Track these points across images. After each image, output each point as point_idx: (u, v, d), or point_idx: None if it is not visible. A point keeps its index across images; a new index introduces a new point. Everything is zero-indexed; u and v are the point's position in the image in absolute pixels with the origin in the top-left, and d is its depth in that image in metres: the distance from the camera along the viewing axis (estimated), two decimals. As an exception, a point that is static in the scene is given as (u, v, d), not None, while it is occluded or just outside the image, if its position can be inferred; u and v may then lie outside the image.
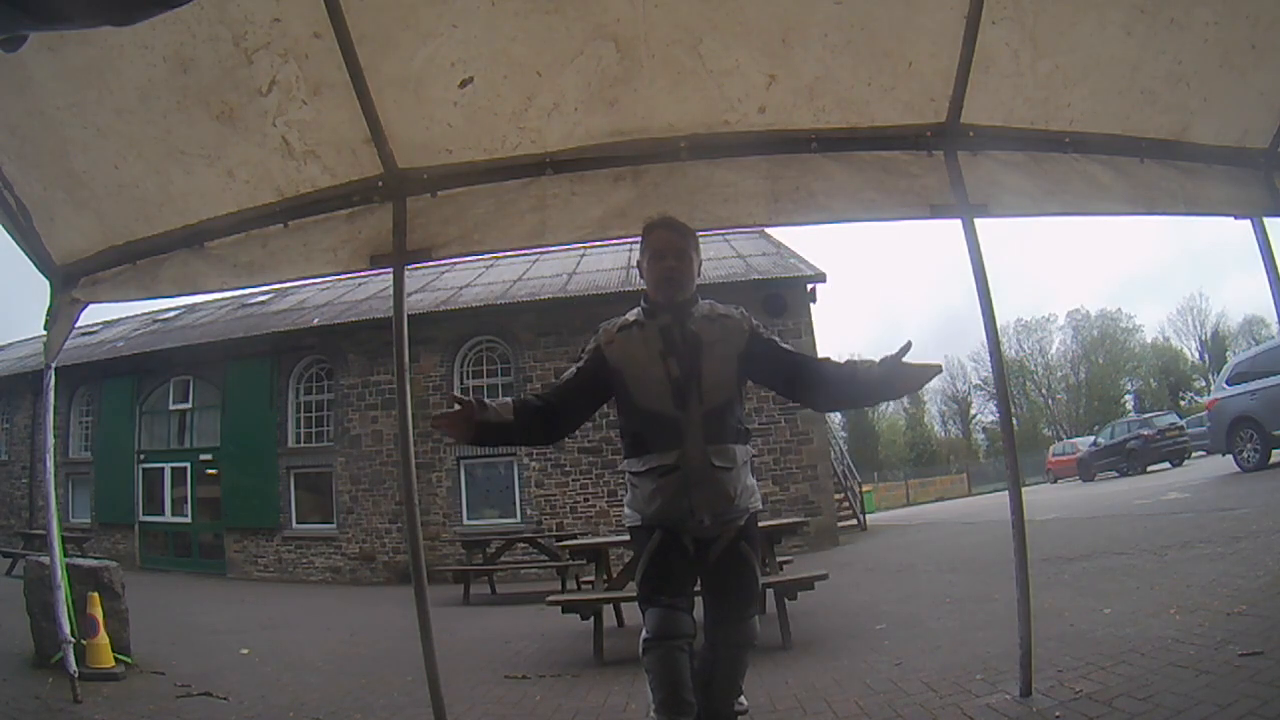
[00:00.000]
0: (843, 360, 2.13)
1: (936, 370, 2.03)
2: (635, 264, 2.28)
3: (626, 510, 2.20)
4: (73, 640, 3.47)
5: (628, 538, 2.29)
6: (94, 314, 21.32)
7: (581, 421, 2.23)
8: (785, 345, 2.17)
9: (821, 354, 2.26)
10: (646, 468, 2.06)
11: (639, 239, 2.26)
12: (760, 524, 2.39)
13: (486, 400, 2.03)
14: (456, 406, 1.97)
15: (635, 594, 2.15)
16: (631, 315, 2.18)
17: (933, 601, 4.96)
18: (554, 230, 2.84)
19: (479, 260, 14.82)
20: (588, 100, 2.65)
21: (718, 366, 2.08)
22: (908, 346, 1.94)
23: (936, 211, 2.80)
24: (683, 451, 2.01)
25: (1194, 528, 5.79)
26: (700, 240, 2.24)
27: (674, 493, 2.02)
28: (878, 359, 2.00)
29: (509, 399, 2.12)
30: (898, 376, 1.97)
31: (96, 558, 7.08)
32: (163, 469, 14.11)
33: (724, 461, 2.04)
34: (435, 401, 12.37)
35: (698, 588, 2.16)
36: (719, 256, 13.63)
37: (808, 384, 2.14)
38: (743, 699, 2.25)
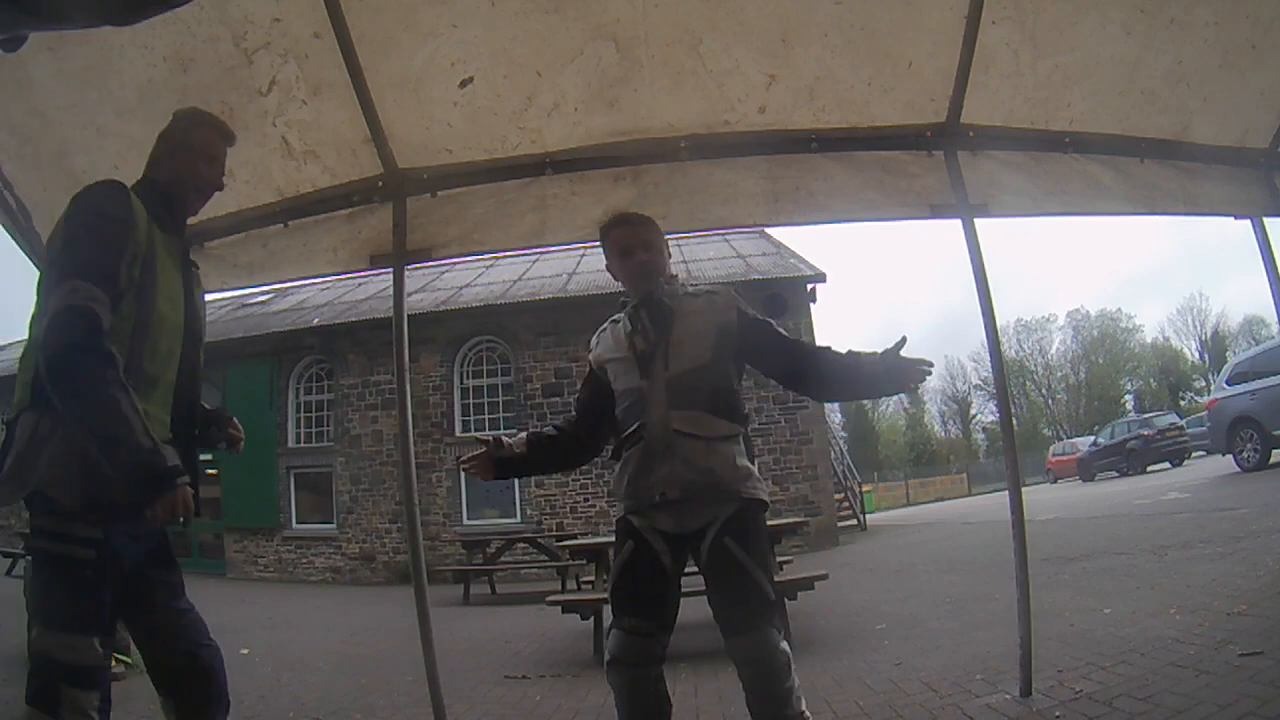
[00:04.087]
0: (843, 350, 2.00)
1: (930, 368, 1.95)
2: (605, 269, 2.18)
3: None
4: (73, 640, 3.47)
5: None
6: (94, 314, 21.23)
7: (606, 434, 2.12)
8: (782, 332, 2.06)
9: (820, 344, 2.17)
10: (616, 445, 2.01)
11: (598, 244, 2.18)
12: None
13: (504, 438, 2.08)
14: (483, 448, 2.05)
15: None
16: (615, 316, 2.17)
17: (933, 601, 4.96)
18: (554, 230, 2.85)
19: (479, 260, 14.81)
20: (588, 100, 2.65)
21: (691, 333, 1.97)
22: (903, 342, 1.88)
23: (936, 211, 2.80)
24: (645, 420, 1.90)
25: (1194, 528, 5.79)
26: (659, 225, 2.16)
27: (636, 466, 1.91)
28: (879, 351, 1.90)
29: (524, 434, 2.15)
30: (898, 371, 1.87)
31: (96, 558, 7.07)
32: (163, 469, 14.10)
33: (693, 429, 1.87)
34: (435, 401, 12.39)
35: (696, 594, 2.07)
36: (719, 256, 13.64)
37: (809, 376, 2.04)
38: (803, 709, 1.87)
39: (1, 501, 1.56)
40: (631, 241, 2.05)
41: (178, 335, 1.64)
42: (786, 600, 4.26)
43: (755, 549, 1.85)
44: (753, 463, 2.01)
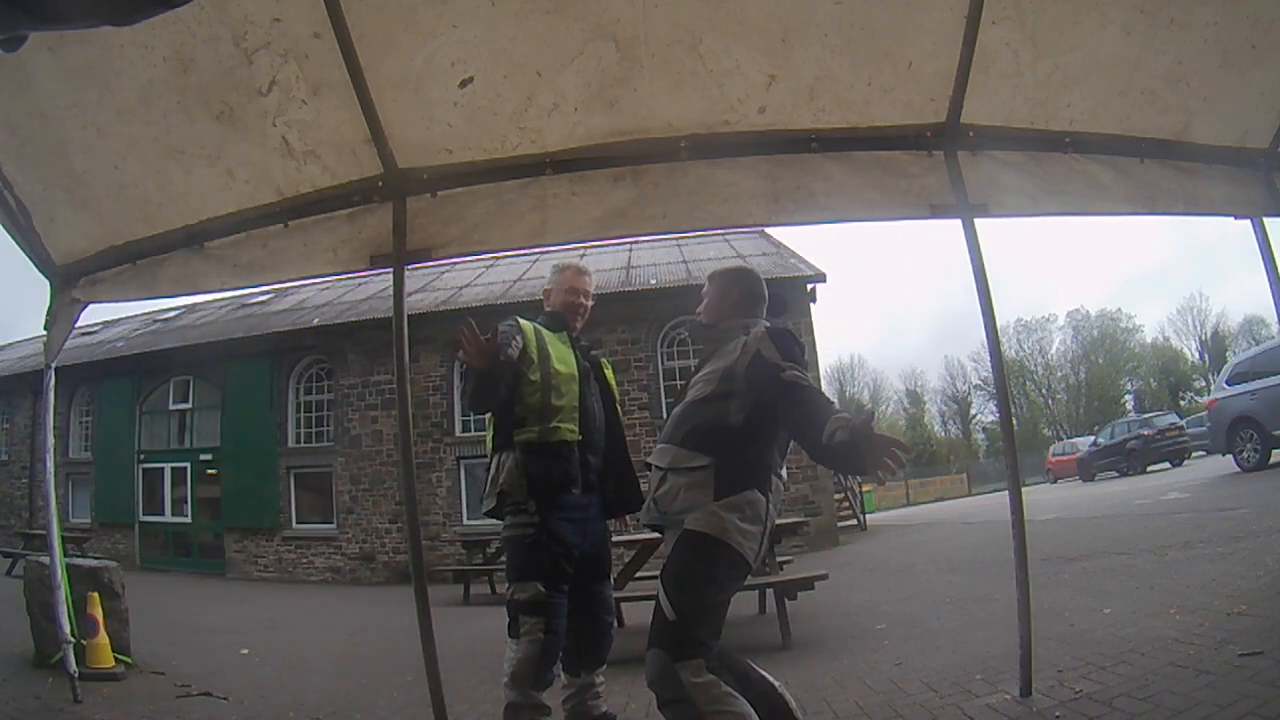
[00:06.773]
0: (832, 404, 1.89)
1: (904, 454, 1.62)
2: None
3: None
4: (73, 640, 3.47)
5: (631, 537, 2.32)
6: (94, 314, 21.30)
7: None
8: (785, 378, 1.93)
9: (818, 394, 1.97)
10: None
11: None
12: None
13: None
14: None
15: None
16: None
17: (933, 601, 4.96)
18: (554, 230, 2.85)
19: (479, 260, 14.81)
20: (588, 100, 2.65)
21: (708, 371, 2.19)
22: (870, 415, 1.68)
23: (936, 211, 2.80)
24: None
25: (1194, 528, 5.79)
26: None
27: None
28: (849, 418, 1.72)
29: None
30: (857, 455, 1.65)
31: (96, 558, 7.08)
32: (163, 469, 14.11)
33: (657, 460, 2.07)
34: (435, 401, 12.38)
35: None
36: (719, 256, 13.63)
37: (789, 431, 2.02)
38: None
39: (487, 507, 2.68)
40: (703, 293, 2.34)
41: (573, 381, 2.64)
42: (787, 600, 4.27)
43: (671, 574, 1.90)
44: (740, 491, 1.91)
